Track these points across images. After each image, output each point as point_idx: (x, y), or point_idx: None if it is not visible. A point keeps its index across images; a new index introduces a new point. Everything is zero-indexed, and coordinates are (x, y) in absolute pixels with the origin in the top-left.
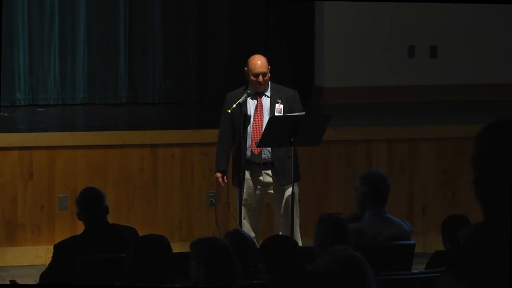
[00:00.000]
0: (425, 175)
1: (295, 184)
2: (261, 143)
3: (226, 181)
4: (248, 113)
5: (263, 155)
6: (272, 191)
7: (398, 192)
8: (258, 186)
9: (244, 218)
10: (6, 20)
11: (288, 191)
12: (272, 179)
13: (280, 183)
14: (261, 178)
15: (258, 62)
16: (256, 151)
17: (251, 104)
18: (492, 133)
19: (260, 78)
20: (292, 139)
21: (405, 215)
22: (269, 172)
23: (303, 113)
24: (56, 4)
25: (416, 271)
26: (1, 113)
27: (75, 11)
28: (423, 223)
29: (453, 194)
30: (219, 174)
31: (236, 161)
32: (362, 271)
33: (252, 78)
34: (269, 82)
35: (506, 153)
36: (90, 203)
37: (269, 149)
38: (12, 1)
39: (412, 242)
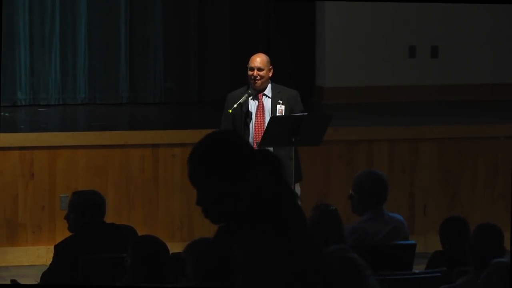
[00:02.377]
0: (426, 175)
1: (297, 185)
2: (262, 143)
3: None
4: (250, 114)
5: None
6: None
7: (399, 192)
8: None
9: None
10: (7, 20)
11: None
12: None
13: None
14: None
15: (257, 59)
16: None
17: (253, 105)
18: (198, 155)
19: (255, 72)
20: (293, 139)
21: (406, 215)
22: None
23: (305, 113)
24: (57, 4)
25: (417, 271)
26: (2, 113)
27: (76, 11)
28: (424, 223)
29: (454, 194)
30: None
31: None
32: (359, 272)
33: (249, 72)
34: (270, 83)
35: (213, 174)
36: (94, 208)
37: (271, 149)
38: (13, 1)
39: (412, 242)
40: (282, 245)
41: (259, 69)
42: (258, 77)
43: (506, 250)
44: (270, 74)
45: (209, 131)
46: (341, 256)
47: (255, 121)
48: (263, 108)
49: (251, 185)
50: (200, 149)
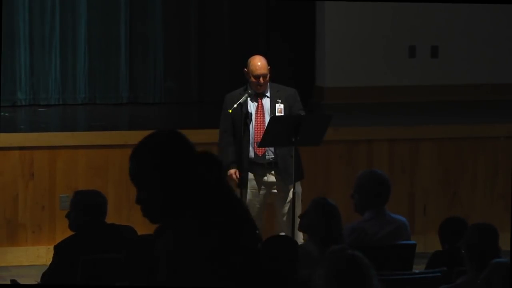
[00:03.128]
0: (426, 175)
1: (298, 184)
2: (262, 143)
3: (238, 176)
4: (250, 114)
5: (266, 156)
6: (276, 191)
7: (399, 192)
8: (262, 187)
9: None
10: (7, 20)
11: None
12: (276, 178)
13: (284, 183)
14: (265, 178)
15: (259, 64)
16: (260, 152)
17: (252, 105)
18: (143, 153)
19: (261, 79)
20: (293, 139)
21: (406, 215)
22: (273, 172)
23: (303, 112)
24: (57, 4)
25: (417, 271)
26: (2, 113)
27: (76, 11)
28: (424, 223)
29: (454, 194)
30: (232, 171)
31: (238, 161)
32: (363, 270)
33: (253, 79)
34: (268, 82)
35: (156, 171)
36: (96, 208)
37: (272, 149)
38: (13, 1)
39: (413, 242)
40: (214, 243)
41: (265, 76)
42: (264, 83)
43: (500, 249)
44: (269, 75)
45: (209, 131)
46: (346, 255)
47: (255, 121)
48: (263, 108)
49: (194, 183)
50: (145, 148)
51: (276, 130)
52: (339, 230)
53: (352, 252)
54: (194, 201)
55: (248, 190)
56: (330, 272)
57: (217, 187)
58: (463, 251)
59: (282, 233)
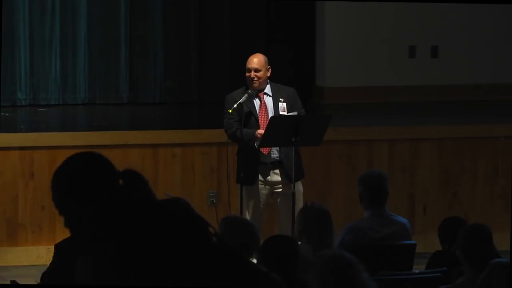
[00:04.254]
0: (426, 175)
1: (299, 183)
2: (262, 143)
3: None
4: (254, 113)
5: (272, 155)
6: (281, 190)
7: (399, 192)
8: (266, 186)
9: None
10: (7, 20)
11: (297, 189)
12: (281, 177)
13: (289, 180)
14: (268, 178)
15: (254, 59)
16: (265, 151)
17: (255, 104)
18: (57, 178)
19: (252, 73)
20: (293, 139)
21: (406, 215)
22: (277, 171)
23: (303, 111)
24: (57, 4)
25: (417, 271)
26: (2, 113)
27: (76, 11)
28: (424, 223)
29: (454, 194)
30: (258, 133)
31: (240, 159)
32: (352, 271)
33: (246, 73)
34: (269, 82)
35: (74, 195)
36: None
37: (277, 148)
38: (13, 1)
39: (413, 242)
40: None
41: (256, 70)
42: (256, 78)
43: (495, 247)
44: (269, 74)
45: (209, 131)
46: (336, 255)
47: (260, 121)
48: (266, 106)
49: (114, 203)
50: (61, 173)
51: (276, 130)
52: (330, 233)
53: (341, 252)
54: (115, 222)
55: (252, 190)
56: (321, 273)
57: (144, 204)
58: (457, 252)
59: (281, 230)
